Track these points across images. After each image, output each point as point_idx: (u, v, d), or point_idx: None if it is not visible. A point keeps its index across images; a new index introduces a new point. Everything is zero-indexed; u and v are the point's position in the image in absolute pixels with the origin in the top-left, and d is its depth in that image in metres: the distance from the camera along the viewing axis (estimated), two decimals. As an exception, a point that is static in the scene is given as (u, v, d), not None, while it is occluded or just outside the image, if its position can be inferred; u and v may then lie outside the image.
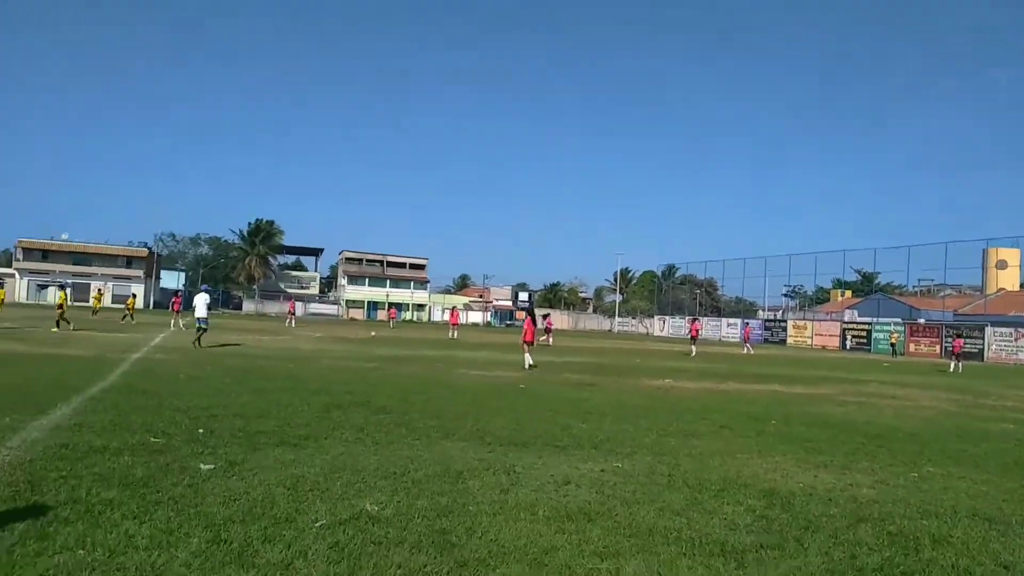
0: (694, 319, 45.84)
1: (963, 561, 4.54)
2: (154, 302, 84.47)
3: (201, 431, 7.49)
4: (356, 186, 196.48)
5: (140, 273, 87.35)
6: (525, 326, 20.14)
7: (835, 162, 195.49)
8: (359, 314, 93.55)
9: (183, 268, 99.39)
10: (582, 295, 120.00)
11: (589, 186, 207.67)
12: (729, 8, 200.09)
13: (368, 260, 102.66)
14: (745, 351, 41.83)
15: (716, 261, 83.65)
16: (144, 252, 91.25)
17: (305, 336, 33.85)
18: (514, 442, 7.93)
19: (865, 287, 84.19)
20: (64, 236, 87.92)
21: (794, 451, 8.28)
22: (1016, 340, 47.22)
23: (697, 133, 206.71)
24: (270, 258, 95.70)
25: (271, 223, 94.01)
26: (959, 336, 36.31)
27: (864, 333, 58.26)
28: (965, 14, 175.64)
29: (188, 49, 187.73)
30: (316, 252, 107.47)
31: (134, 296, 43.94)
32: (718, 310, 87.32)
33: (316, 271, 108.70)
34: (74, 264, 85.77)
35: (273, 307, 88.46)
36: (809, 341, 62.37)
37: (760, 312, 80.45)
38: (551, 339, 37.88)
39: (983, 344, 48.07)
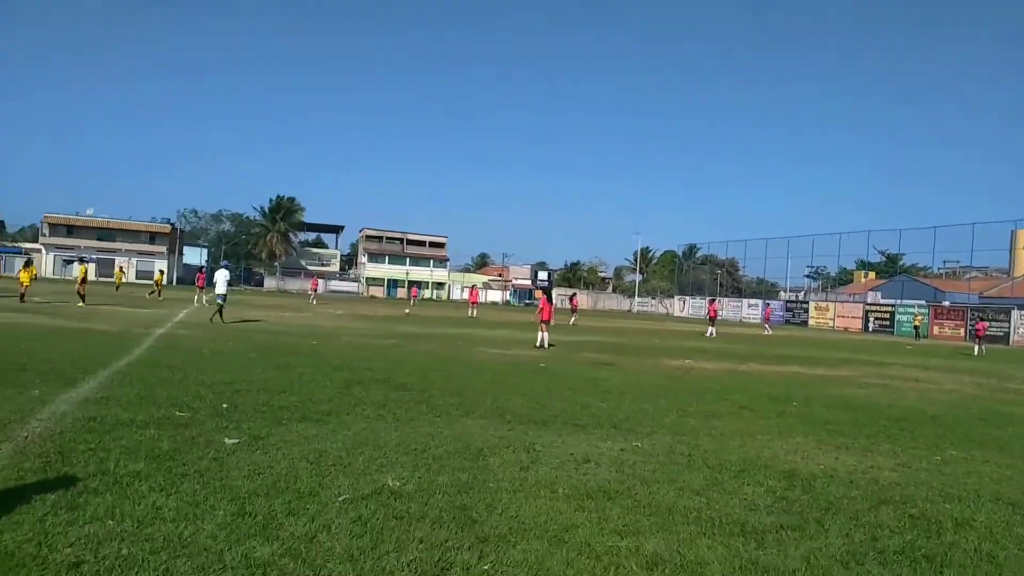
0: (712, 299, 45.55)
1: (986, 545, 4.51)
2: (177, 278, 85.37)
3: (225, 406, 7.60)
4: (377, 164, 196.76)
5: (163, 249, 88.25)
6: (541, 304, 20.21)
7: (861, 141, 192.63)
8: (379, 292, 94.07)
9: (205, 244, 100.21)
10: (602, 275, 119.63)
11: (609, 165, 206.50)
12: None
13: (388, 238, 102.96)
14: (765, 332, 41.61)
15: (738, 241, 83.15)
16: (167, 228, 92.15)
17: (326, 313, 34.11)
18: (534, 420, 7.96)
19: (889, 268, 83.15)
20: (89, 211, 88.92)
21: (815, 433, 8.25)
22: (1043, 323, 46.49)
23: (720, 111, 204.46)
24: (291, 235, 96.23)
25: (292, 200, 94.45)
26: (982, 319, 35.83)
27: (887, 315, 57.67)
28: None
29: (215, 25, 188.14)
30: (337, 229, 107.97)
31: (161, 272, 44.72)
32: (739, 291, 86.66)
33: (336, 248, 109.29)
34: (99, 240, 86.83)
35: (294, 284, 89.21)
36: (831, 323, 61.87)
37: (782, 293, 79.87)
38: (575, 318, 37.95)
39: (1009, 327, 47.40)
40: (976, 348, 31.66)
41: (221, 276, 22.68)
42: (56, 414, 6.62)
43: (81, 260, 30.98)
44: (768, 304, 57.59)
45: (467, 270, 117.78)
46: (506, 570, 3.63)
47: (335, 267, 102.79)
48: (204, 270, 39.19)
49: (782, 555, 4.11)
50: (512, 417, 8.07)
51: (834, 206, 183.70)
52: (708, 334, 32.39)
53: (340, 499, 4.58)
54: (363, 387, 9.65)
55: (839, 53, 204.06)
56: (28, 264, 28.99)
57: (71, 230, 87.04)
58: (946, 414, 10.59)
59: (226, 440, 6.00)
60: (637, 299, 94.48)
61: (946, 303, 57.29)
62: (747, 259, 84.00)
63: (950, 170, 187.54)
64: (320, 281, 66.03)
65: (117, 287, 46.39)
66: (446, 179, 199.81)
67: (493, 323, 33.60)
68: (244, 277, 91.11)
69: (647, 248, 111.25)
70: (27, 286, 27.16)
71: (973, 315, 48.57)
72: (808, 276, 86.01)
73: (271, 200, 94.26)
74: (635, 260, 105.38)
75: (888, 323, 56.73)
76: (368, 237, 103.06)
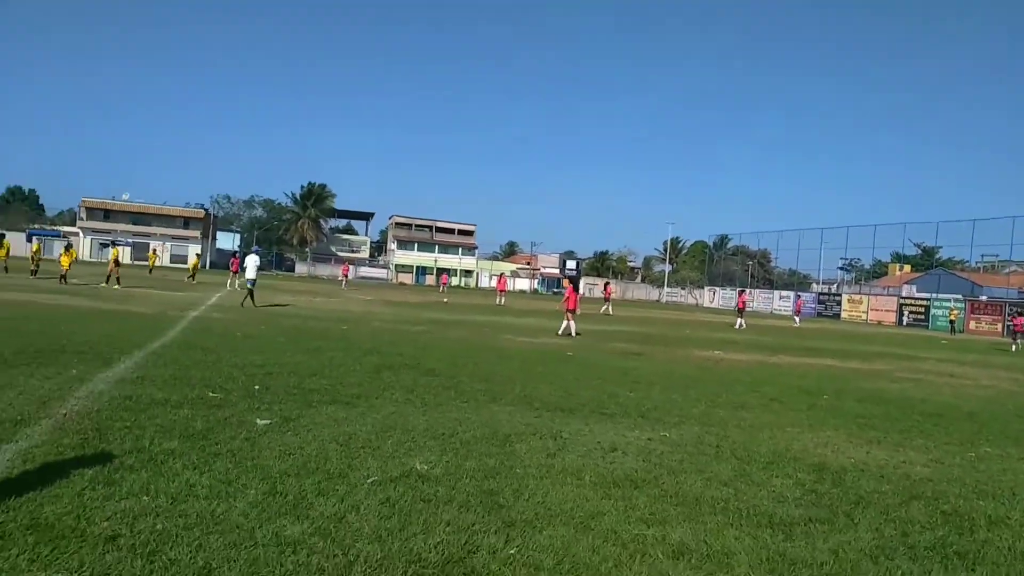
0: (741, 291, 45.08)
1: (1020, 544, 4.43)
2: (210, 262, 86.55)
3: (257, 387, 7.71)
4: (408, 152, 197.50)
5: (197, 234, 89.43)
6: (567, 293, 20.22)
7: (897, 131, 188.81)
8: (408, 279, 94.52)
9: (238, 230, 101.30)
10: (631, 264, 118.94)
11: (640, 154, 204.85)
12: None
13: (417, 225, 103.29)
14: (794, 324, 41.15)
15: (770, 232, 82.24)
16: (201, 213, 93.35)
17: (355, 299, 34.40)
18: (561, 408, 7.97)
19: (925, 262, 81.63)
20: (125, 196, 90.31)
21: (846, 426, 8.15)
22: (1084, 320, 45.28)
23: (756, 102, 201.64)
24: (321, 221, 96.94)
25: (323, 186, 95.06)
26: (1020, 314, 35.03)
27: (922, 309, 56.63)
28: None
29: (255, 12, 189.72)
30: (367, 216, 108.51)
31: (198, 257, 45.83)
32: (770, 282, 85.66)
33: (366, 235, 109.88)
34: (134, 224, 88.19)
35: (324, 270, 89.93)
36: (864, 316, 60.93)
37: (814, 285, 78.76)
38: (610, 308, 37.86)
39: (1049, 323, 46.22)
40: (1014, 344, 30.98)
41: (251, 261, 22.98)
42: (93, 393, 6.77)
43: (113, 244, 31.63)
44: (800, 296, 56.78)
45: (495, 258, 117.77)
46: (532, 555, 3.66)
47: (365, 254, 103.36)
48: (239, 255, 39.73)
49: (810, 548, 4.08)
50: (540, 404, 8.08)
51: (870, 198, 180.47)
52: (737, 326, 32.10)
53: (369, 481, 4.63)
54: (392, 372, 9.73)
55: (878, 45, 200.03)
56: (68, 248, 29.72)
57: (107, 214, 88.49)
58: (981, 410, 10.39)
59: (258, 421, 6.09)
60: (666, 289, 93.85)
61: (983, 297, 56.07)
62: (779, 250, 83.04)
63: (989, 162, 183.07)
64: (350, 267, 66.42)
65: (150, 270, 47.27)
66: (476, 168, 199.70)
67: (521, 311, 33.62)
68: (275, 262, 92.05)
69: (677, 238, 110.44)
70: (67, 269, 27.85)
71: (1011, 310, 47.48)
72: (842, 268, 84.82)
73: (302, 187, 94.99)
74: (665, 250, 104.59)
75: (923, 317, 55.71)
76: (398, 224, 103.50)
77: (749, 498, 4.95)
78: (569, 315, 19.50)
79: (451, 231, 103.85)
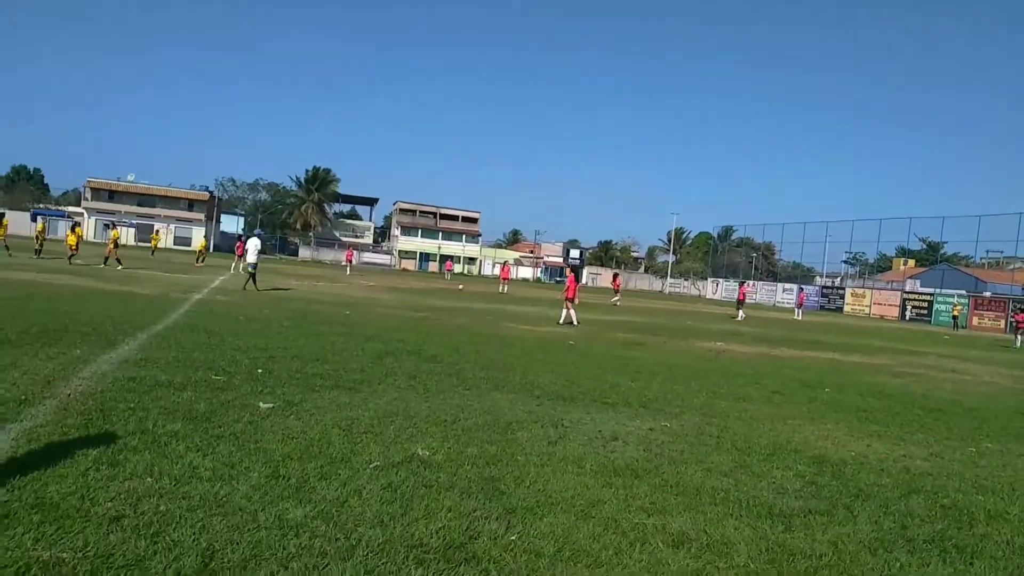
0: (742, 282, 45.02)
1: (1019, 539, 4.44)
2: (214, 245, 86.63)
3: (260, 371, 7.74)
4: (413, 138, 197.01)
5: (201, 216, 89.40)
6: (568, 282, 20.26)
7: (904, 127, 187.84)
8: (411, 265, 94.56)
9: (242, 213, 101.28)
10: (634, 254, 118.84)
11: (646, 144, 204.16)
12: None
13: (422, 212, 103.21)
14: (795, 316, 41.14)
15: (775, 224, 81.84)
16: (205, 196, 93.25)
17: (359, 284, 34.43)
18: (562, 396, 7.99)
19: (930, 257, 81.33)
20: (130, 177, 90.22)
21: (847, 420, 8.16)
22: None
23: (762, 95, 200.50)
24: (325, 206, 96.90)
25: (328, 171, 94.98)
26: (1022, 311, 34.96)
27: (925, 304, 56.55)
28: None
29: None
30: (371, 202, 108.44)
31: (204, 240, 46.32)
32: (774, 275, 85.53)
33: (370, 221, 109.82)
34: (139, 205, 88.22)
35: (328, 254, 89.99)
36: (867, 310, 60.86)
37: (818, 278, 78.65)
38: (617, 298, 37.76)
39: (1052, 320, 46.12)
40: (1017, 340, 30.94)
41: (252, 245, 22.88)
42: (97, 374, 6.80)
43: (114, 225, 31.74)
44: (802, 289, 56.68)
45: (499, 246, 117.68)
46: (533, 542, 3.68)
47: (368, 239, 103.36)
48: (244, 239, 39.82)
49: (809, 539, 4.09)
50: (541, 393, 8.10)
51: (876, 192, 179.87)
52: (738, 317, 32.11)
53: (371, 466, 4.66)
54: (395, 358, 9.76)
55: (882, 40, 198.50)
56: (75, 227, 29.79)
57: (112, 195, 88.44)
58: (983, 406, 10.39)
59: (261, 404, 6.12)
60: (669, 280, 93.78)
61: (987, 293, 55.98)
62: (784, 243, 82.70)
63: (996, 159, 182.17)
64: (354, 253, 66.45)
65: (152, 251, 47.35)
66: (481, 155, 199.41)
67: (524, 299, 33.64)
68: (279, 246, 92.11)
69: (682, 229, 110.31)
70: (76, 249, 27.95)
71: (1014, 306, 47.37)
72: (846, 262, 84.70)
73: (307, 171, 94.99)
74: (669, 240, 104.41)
75: (926, 312, 55.63)
76: (402, 210, 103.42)
77: (749, 489, 4.97)
78: (568, 304, 19.54)
79: (455, 218, 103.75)
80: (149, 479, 4.03)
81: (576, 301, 19.92)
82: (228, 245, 63.85)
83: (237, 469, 4.35)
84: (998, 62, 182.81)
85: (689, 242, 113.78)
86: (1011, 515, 4.92)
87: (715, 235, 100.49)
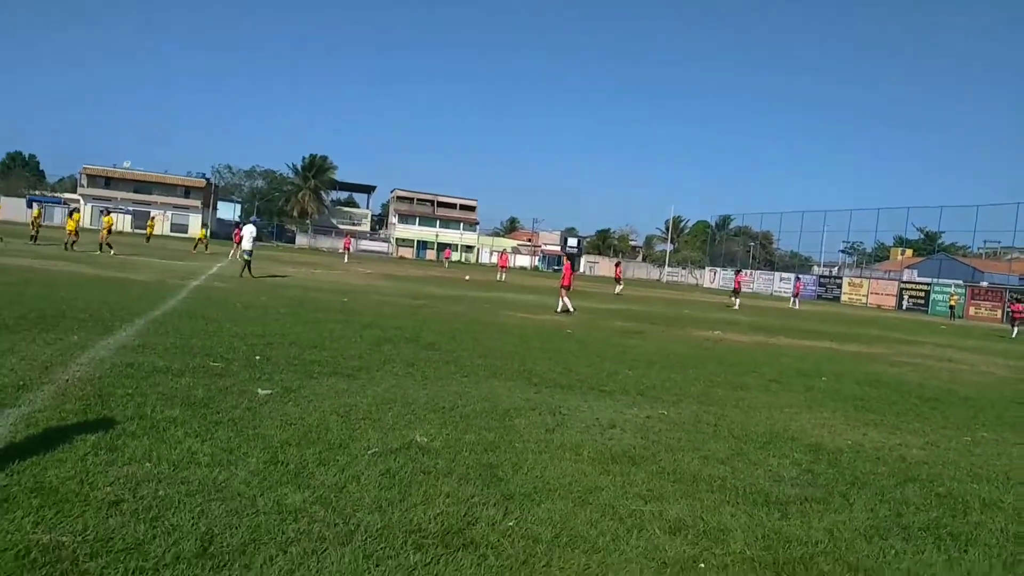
0: (738, 271, 45.01)
1: (1013, 526, 4.47)
2: (210, 232, 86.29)
3: (258, 357, 7.74)
4: (410, 126, 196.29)
5: (198, 203, 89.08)
6: (564, 271, 20.31)
7: (903, 115, 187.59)
8: (408, 253, 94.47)
9: (239, 200, 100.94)
10: (632, 243, 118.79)
11: (644, 132, 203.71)
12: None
13: (419, 200, 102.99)
14: (791, 305, 41.21)
15: (773, 213, 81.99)
16: (202, 183, 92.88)
17: (356, 272, 34.40)
18: (560, 384, 8.00)
19: (927, 246, 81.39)
20: (126, 164, 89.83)
21: (843, 408, 8.19)
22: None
23: (758, 81, 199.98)
24: (323, 193, 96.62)
25: (325, 158, 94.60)
26: (1019, 300, 35.05)
27: (922, 294, 56.62)
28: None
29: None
30: (368, 189, 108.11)
31: (205, 227, 46.49)
32: (771, 264, 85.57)
33: (368, 208, 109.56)
34: (135, 192, 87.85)
35: (325, 242, 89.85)
36: (864, 299, 60.95)
37: (815, 268, 78.71)
38: (620, 288, 37.70)
39: (1048, 310, 46.23)
40: (1013, 330, 31.03)
41: (247, 231, 22.74)
42: (95, 359, 6.80)
43: (108, 211, 31.63)
44: (799, 279, 56.77)
45: (496, 234, 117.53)
46: (530, 527, 3.69)
47: (366, 227, 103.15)
48: (240, 226, 39.76)
49: (805, 526, 4.12)
50: (539, 380, 8.12)
51: (873, 181, 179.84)
52: (734, 305, 32.17)
53: (369, 452, 4.67)
54: (393, 345, 9.76)
55: (882, 34, 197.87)
56: (73, 213, 29.76)
57: (109, 182, 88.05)
58: (978, 395, 10.43)
59: (259, 391, 6.12)
60: (667, 269, 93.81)
61: (984, 283, 56.05)
62: (782, 232, 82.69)
63: (994, 149, 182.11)
64: (352, 240, 66.34)
65: (147, 238, 47.25)
66: (478, 143, 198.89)
67: (521, 288, 33.64)
68: (276, 234, 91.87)
69: (679, 217, 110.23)
70: (75, 235, 27.93)
71: (1011, 296, 47.49)
72: (843, 251, 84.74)
73: (304, 158, 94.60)
74: (667, 229, 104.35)
75: (923, 302, 55.72)
76: (399, 198, 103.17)
77: (746, 477, 4.99)
78: (563, 291, 19.60)
79: (453, 206, 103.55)
80: (148, 464, 4.03)
81: (570, 288, 19.98)
82: (225, 232, 63.62)
83: (235, 455, 4.36)
84: (999, 62, 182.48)
85: (687, 231, 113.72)
86: (1005, 503, 4.95)
87: (713, 224, 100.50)
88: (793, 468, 5.36)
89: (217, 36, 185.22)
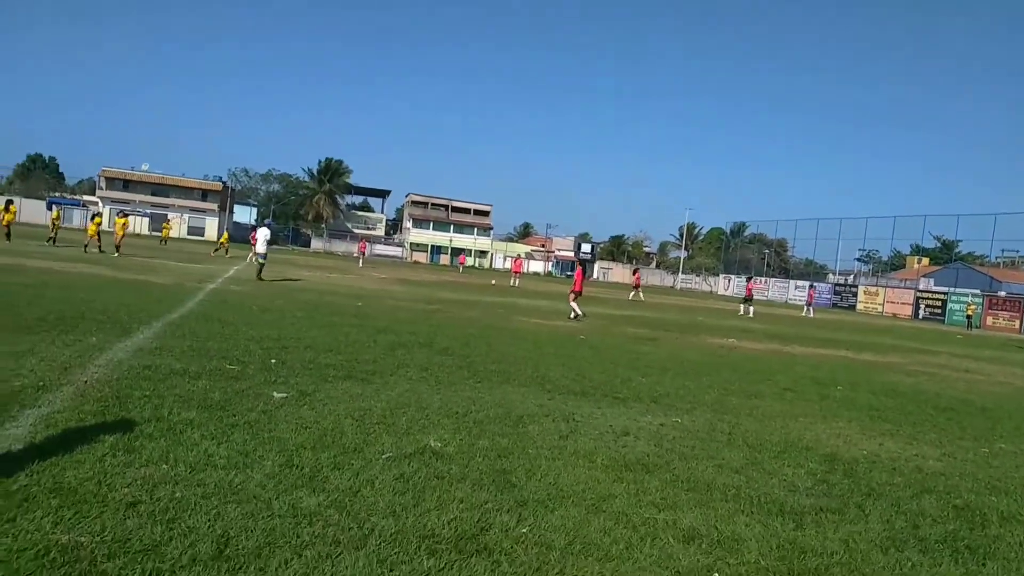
0: (750, 278, 44.82)
1: (1032, 540, 4.43)
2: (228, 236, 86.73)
3: (273, 361, 7.78)
4: (425, 131, 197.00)
5: (215, 206, 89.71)
6: (576, 277, 20.30)
7: (920, 123, 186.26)
8: (423, 257, 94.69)
9: (255, 203, 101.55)
10: (646, 249, 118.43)
11: (660, 139, 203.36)
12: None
13: (434, 204, 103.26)
14: (804, 314, 40.97)
15: (788, 221, 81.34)
16: (219, 186, 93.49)
17: (370, 276, 34.53)
18: (573, 391, 8.00)
19: (944, 255, 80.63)
20: (144, 167, 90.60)
21: (859, 418, 8.13)
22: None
23: (774, 88, 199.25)
24: (338, 197, 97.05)
25: (340, 162, 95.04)
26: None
27: (939, 303, 56.12)
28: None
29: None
30: (383, 194, 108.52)
31: (227, 231, 47.15)
32: (786, 271, 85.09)
33: (383, 213, 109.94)
34: (153, 195, 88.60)
35: (340, 246, 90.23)
36: (880, 308, 60.50)
37: (831, 276, 78.20)
38: (635, 294, 37.97)
39: (1067, 321, 45.75)
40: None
41: (261, 234, 22.81)
42: (113, 361, 6.86)
43: (122, 213, 31.94)
44: (812, 286, 56.34)
45: (510, 239, 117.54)
46: (544, 534, 3.69)
47: (380, 231, 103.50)
48: (257, 229, 40.14)
49: (820, 537, 4.09)
50: (552, 386, 8.11)
51: (890, 189, 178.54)
52: (748, 314, 32.02)
53: (384, 456, 4.69)
54: (407, 350, 9.79)
55: (897, 40, 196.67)
56: (94, 217, 30.24)
57: (127, 184, 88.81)
58: (996, 406, 10.32)
59: (274, 394, 6.16)
60: (681, 275, 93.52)
61: (1002, 293, 55.47)
62: (797, 239, 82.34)
63: (1012, 157, 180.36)
64: (367, 244, 66.62)
65: (163, 241, 47.66)
66: (493, 148, 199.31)
67: (535, 293, 33.64)
68: (292, 237, 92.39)
69: (694, 224, 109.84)
70: (97, 237, 28.39)
71: (1030, 307, 47.01)
72: (859, 259, 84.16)
73: (319, 162, 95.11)
74: (681, 236, 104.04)
75: (939, 311, 55.22)
76: (414, 203, 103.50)
77: (760, 486, 4.97)
78: (571, 296, 19.60)
79: (467, 211, 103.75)
80: (165, 466, 4.07)
81: (582, 293, 19.97)
82: (242, 236, 64.09)
83: (251, 457, 4.39)
84: (998, 62, 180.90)
85: (701, 238, 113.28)
86: (1024, 516, 4.90)
87: (728, 231, 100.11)
88: (808, 478, 5.33)
89: (237, 40, 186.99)
